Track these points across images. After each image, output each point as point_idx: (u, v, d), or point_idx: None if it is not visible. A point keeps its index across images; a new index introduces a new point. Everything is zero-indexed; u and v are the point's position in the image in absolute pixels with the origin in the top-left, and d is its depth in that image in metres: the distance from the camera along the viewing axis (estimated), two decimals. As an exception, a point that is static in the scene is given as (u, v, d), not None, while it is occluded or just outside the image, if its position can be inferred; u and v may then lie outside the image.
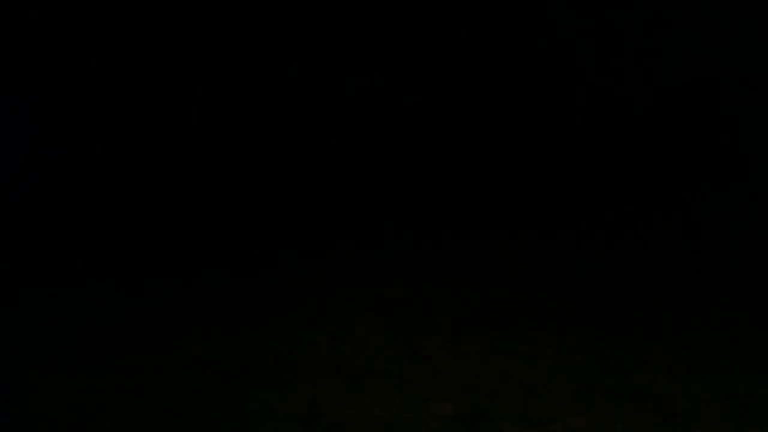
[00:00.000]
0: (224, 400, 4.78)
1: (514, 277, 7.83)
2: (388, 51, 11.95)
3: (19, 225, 9.04)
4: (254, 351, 5.57)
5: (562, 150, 11.67)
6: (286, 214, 11.06)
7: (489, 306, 6.75)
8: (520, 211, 10.78)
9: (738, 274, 8.10)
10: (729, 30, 10.72)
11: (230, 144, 12.17)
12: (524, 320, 6.37)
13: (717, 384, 5.08)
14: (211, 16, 12.05)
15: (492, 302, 6.86)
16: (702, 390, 4.98)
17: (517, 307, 6.76)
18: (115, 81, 12.03)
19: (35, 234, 9.09)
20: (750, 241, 9.26)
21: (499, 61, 11.66)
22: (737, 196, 10.35)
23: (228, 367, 5.30)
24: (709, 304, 6.97)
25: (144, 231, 9.56)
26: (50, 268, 8.19)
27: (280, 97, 12.32)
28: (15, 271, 7.99)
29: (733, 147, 11.06)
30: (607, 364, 5.41)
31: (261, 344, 5.71)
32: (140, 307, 6.81)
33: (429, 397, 4.83)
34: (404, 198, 11.57)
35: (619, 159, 11.47)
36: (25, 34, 11.90)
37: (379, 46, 11.85)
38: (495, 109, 11.95)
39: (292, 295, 7.18)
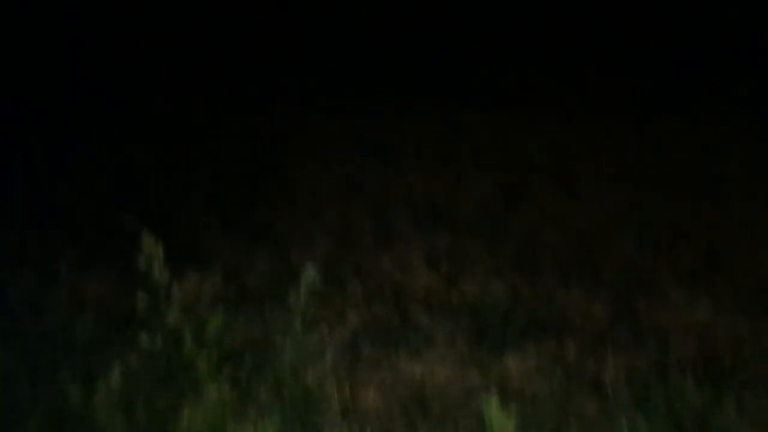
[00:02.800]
0: (269, 175, 4.83)
1: (554, 58, 7.59)
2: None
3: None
4: (294, 127, 5.59)
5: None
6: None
7: (532, 84, 6.63)
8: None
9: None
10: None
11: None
12: (567, 99, 6.24)
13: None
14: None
15: (535, 81, 6.73)
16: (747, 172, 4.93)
17: (560, 87, 6.62)
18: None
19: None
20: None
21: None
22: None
23: (269, 141, 5.34)
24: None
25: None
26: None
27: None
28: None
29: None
30: (648, 143, 5.39)
31: (300, 121, 5.72)
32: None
33: (468, 173, 4.86)
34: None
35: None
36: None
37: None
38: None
39: (334, 78, 6.96)
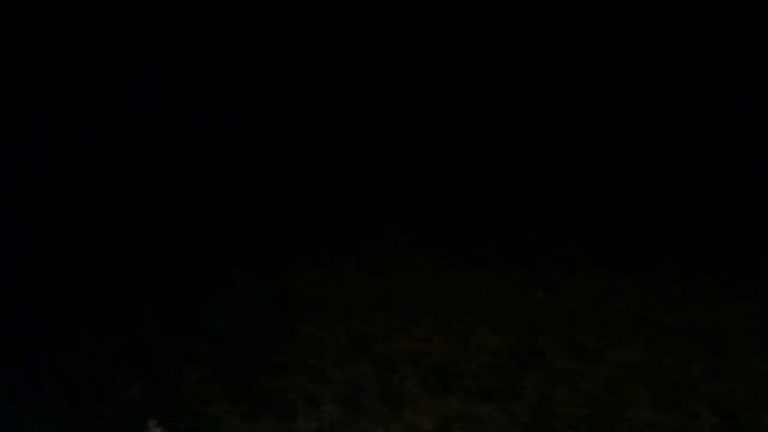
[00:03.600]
0: (273, 334, 4.75)
1: (557, 209, 7.73)
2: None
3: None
4: (298, 286, 5.52)
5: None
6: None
7: (533, 238, 6.69)
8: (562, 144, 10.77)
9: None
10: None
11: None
12: (567, 253, 6.29)
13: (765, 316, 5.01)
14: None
15: (535, 234, 6.79)
16: (751, 322, 4.91)
17: (560, 240, 6.69)
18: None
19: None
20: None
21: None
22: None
23: (274, 301, 5.27)
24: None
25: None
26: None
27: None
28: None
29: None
30: (654, 296, 5.34)
31: (304, 279, 5.67)
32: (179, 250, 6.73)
33: (476, 329, 4.78)
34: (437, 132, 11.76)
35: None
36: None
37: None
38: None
39: (331, 232, 7.07)
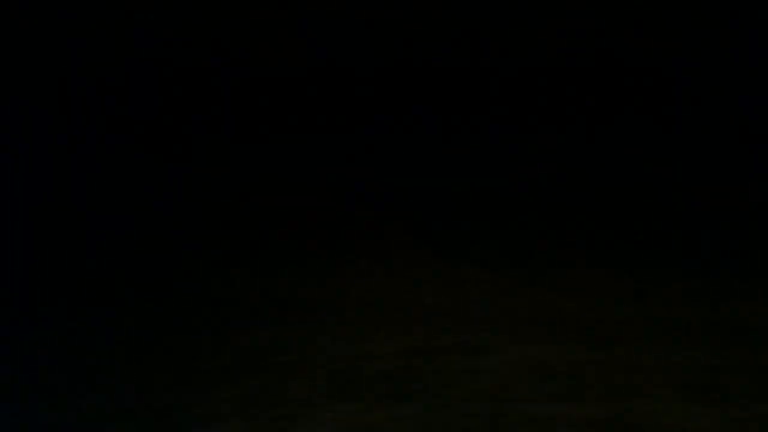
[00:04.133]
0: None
1: (557, 209, 7.74)
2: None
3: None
4: (298, 287, 5.53)
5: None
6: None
7: (533, 238, 6.69)
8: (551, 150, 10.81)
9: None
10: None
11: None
12: (567, 253, 6.28)
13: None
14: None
15: (535, 234, 6.79)
16: (751, 322, 4.91)
17: (560, 240, 6.69)
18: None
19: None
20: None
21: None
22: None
23: (274, 301, 5.26)
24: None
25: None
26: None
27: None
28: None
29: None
30: (654, 296, 5.34)
31: (304, 279, 5.67)
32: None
33: (467, 329, 4.71)
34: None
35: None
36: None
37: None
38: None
39: (331, 232, 7.07)
